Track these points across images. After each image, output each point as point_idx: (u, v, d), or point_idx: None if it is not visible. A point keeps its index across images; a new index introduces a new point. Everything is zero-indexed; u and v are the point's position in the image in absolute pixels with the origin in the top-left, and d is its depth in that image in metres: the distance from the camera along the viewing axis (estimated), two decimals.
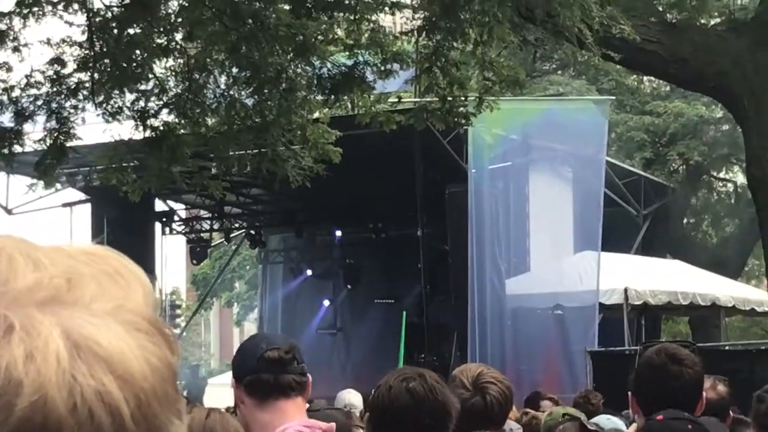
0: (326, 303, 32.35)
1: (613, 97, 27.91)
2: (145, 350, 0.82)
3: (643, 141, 31.39)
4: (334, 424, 4.25)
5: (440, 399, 4.09)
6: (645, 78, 33.93)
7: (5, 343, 0.76)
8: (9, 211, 25.72)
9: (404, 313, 18.24)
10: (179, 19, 15.06)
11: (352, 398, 9.96)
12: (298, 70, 15.35)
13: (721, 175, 36.10)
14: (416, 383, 4.08)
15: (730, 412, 6.07)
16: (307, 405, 4.66)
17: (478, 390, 4.52)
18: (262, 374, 4.14)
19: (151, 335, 0.83)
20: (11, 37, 15.16)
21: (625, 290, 20.15)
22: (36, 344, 0.76)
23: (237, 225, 31.93)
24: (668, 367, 4.52)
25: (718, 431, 3.98)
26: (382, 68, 15.06)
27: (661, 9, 18.38)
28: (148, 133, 15.69)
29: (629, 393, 4.58)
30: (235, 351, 4.49)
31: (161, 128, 15.72)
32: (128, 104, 15.65)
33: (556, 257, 21.92)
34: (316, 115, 16.20)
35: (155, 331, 0.83)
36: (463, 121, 16.49)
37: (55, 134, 15.63)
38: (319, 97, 15.64)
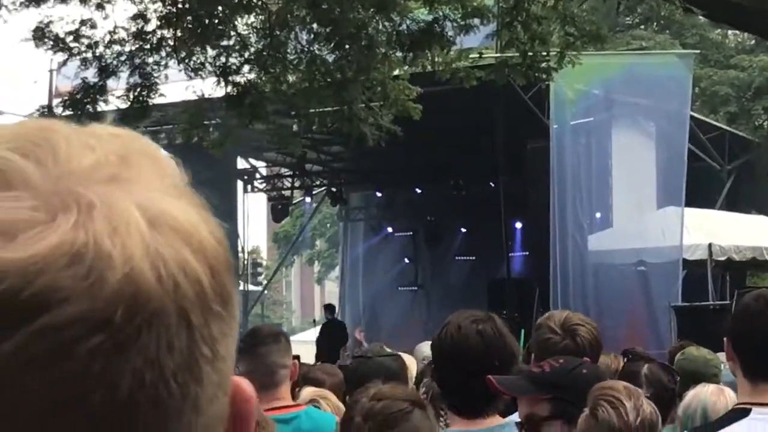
0: (407, 260, 32.43)
1: (697, 51, 27.60)
2: (207, 222, 0.84)
3: (728, 95, 31.00)
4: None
5: (508, 342, 4.16)
6: (730, 32, 33.50)
7: (89, 219, 0.77)
8: None
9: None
10: None
11: (429, 350, 9.96)
12: (379, 27, 15.30)
13: None
14: (486, 325, 4.12)
15: None
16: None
17: (568, 333, 4.54)
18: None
19: (203, 208, 0.85)
20: None
21: (709, 246, 19.95)
22: (118, 218, 0.78)
23: (318, 183, 32.04)
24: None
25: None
26: (463, 23, 14.96)
27: None
28: (229, 89, 15.76)
29: (725, 338, 4.41)
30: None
31: (243, 84, 15.78)
32: (210, 60, 15.73)
33: (639, 213, 21.76)
34: (396, 72, 16.15)
35: (201, 205, 0.85)
36: (545, 77, 16.37)
37: (138, 89, 15.72)
38: (399, 54, 15.59)
